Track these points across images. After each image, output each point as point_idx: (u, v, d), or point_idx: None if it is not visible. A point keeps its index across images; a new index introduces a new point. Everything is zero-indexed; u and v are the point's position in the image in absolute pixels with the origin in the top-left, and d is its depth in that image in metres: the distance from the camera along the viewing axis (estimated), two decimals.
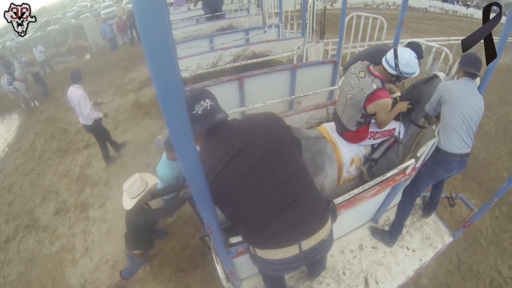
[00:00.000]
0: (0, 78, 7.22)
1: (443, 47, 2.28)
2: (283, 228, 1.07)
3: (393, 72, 1.73)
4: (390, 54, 1.75)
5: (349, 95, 1.80)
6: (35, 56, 9.26)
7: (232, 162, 1.05)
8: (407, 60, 1.70)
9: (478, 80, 1.89)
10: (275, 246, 1.09)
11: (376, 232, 2.18)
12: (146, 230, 2.24)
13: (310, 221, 1.09)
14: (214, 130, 1.10)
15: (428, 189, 2.19)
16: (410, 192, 2.05)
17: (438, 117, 2.02)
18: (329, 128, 2.07)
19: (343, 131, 1.98)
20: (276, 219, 1.07)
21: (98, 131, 3.94)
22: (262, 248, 1.12)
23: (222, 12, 5.60)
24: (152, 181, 2.12)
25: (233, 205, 1.08)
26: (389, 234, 2.10)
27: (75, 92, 3.41)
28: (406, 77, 1.79)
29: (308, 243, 1.11)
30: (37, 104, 7.33)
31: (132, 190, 1.98)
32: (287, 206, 1.06)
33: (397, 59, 1.71)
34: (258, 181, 1.05)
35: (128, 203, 2.02)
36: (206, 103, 1.09)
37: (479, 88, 1.89)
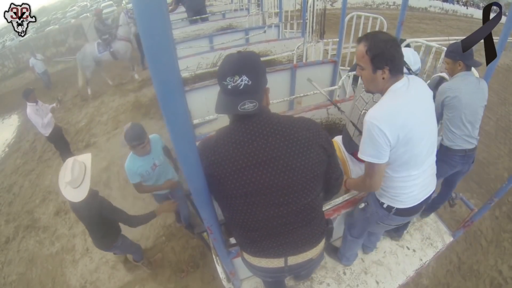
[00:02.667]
0: (85, 47, 5.74)
1: (443, 47, 2.28)
2: (274, 246, 1.05)
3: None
4: None
5: (363, 111, 1.71)
6: (34, 68, 7.25)
7: (255, 169, 0.88)
8: (414, 59, 1.73)
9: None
10: (260, 256, 1.08)
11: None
12: (108, 221, 2.07)
13: (303, 242, 1.06)
14: (250, 116, 0.88)
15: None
16: None
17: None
18: (341, 144, 1.99)
19: (354, 151, 1.87)
20: (270, 237, 1.03)
21: (60, 140, 4.06)
22: (249, 254, 1.11)
23: (207, 15, 5.52)
24: (86, 158, 1.88)
25: (235, 213, 0.99)
26: (396, 229, 2.08)
27: (27, 110, 3.55)
28: (418, 74, 1.80)
29: (295, 259, 1.09)
30: (136, 76, 6.44)
31: (75, 177, 1.71)
32: (290, 231, 1.03)
33: (406, 63, 1.70)
34: (268, 205, 0.95)
35: (77, 194, 1.74)
36: (242, 80, 0.82)
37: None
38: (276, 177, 0.90)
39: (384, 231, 2.13)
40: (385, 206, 1.32)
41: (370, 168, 1.18)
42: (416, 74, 1.77)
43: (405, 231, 2.10)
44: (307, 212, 1.01)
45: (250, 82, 0.83)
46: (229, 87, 0.84)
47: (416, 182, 1.22)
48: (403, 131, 1.06)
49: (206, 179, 0.90)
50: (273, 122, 0.89)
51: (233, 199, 0.94)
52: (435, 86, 2.12)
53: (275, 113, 0.94)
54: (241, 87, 0.83)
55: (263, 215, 0.97)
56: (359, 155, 1.17)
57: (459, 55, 1.83)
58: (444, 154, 1.88)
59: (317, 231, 1.09)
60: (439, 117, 1.96)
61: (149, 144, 2.03)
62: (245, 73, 0.83)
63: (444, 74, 2.15)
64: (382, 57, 1.05)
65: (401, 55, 1.07)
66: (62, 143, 4.13)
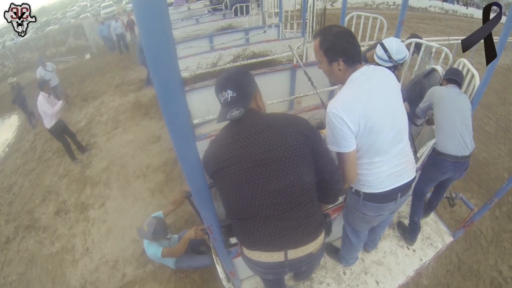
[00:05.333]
0: None
1: (443, 47, 2.28)
2: (271, 234, 1.06)
3: (389, 64, 1.77)
4: (379, 50, 1.82)
5: None
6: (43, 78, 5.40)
7: (237, 154, 1.03)
8: (396, 48, 1.77)
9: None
10: (260, 249, 1.09)
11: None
12: None
13: (300, 233, 1.07)
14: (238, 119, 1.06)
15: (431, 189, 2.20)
16: (415, 191, 2.06)
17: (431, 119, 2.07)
18: None
19: None
20: (265, 223, 1.05)
21: (61, 135, 4.25)
22: (248, 248, 1.12)
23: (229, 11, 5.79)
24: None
25: (229, 198, 1.07)
26: (408, 232, 2.12)
27: (39, 98, 3.83)
28: (402, 63, 1.84)
29: (294, 253, 1.09)
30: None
31: None
32: (279, 214, 1.04)
33: (387, 51, 1.78)
34: (253, 183, 1.02)
35: None
36: (228, 94, 1.02)
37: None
38: (258, 155, 1.01)
39: (398, 231, 2.17)
40: (353, 190, 1.34)
41: (340, 158, 1.19)
42: (401, 64, 1.81)
43: (418, 233, 2.11)
44: (295, 193, 1.03)
45: (234, 94, 1.02)
46: (221, 100, 1.05)
47: (381, 170, 1.22)
48: (363, 118, 1.08)
49: (209, 172, 1.04)
50: (256, 119, 1.05)
51: (226, 179, 1.05)
52: (425, 75, 2.21)
53: (262, 113, 1.09)
54: (228, 99, 1.03)
55: (251, 194, 1.03)
56: (328, 147, 1.17)
57: (445, 74, 2.00)
58: (435, 159, 1.87)
59: (313, 221, 1.09)
60: (423, 115, 2.04)
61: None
62: (228, 87, 1.03)
63: (437, 67, 2.18)
64: (334, 50, 1.08)
65: (354, 46, 1.09)
66: (63, 138, 4.31)
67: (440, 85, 2.10)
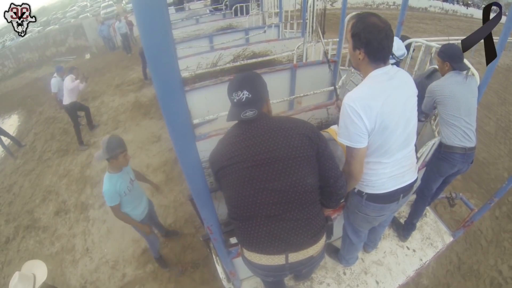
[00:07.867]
0: None
1: None
2: (272, 235, 1.05)
3: (392, 61, 1.78)
4: None
5: None
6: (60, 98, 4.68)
7: (242, 153, 1.05)
8: (397, 45, 1.80)
9: (468, 68, 1.89)
10: (260, 251, 1.09)
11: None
12: None
13: (301, 236, 1.07)
14: (249, 121, 1.08)
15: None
16: (421, 192, 2.05)
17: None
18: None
19: None
20: (267, 223, 1.05)
21: (75, 114, 4.72)
22: (249, 250, 1.12)
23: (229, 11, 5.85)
24: (41, 273, 1.73)
25: (229, 191, 1.09)
26: (402, 229, 2.12)
27: (66, 78, 4.39)
28: (402, 59, 1.87)
29: (295, 257, 1.09)
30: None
31: None
32: (280, 214, 1.04)
33: None
34: (255, 181, 1.03)
35: None
36: (243, 94, 1.06)
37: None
38: (262, 154, 1.04)
39: (392, 229, 2.18)
40: (356, 190, 1.34)
41: (348, 153, 1.17)
42: (400, 60, 1.83)
43: (412, 232, 2.11)
44: (297, 194, 1.03)
45: (250, 95, 1.06)
46: (235, 100, 1.08)
47: (385, 171, 1.22)
48: (380, 117, 1.07)
49: (215, 170, 1.08)
50: (264, 121, 1.08)
51: (229, 176, 1.07)
52: (427, 76, 2.18)
53: (270, 116, 1.13)
54: (243, 99, 1.06)
55: (253, 191, 1.04)
56: (338, 138, 1.17)
57: (447, 56, 1.86)
58: (444, 153, 1.89)
59: (315, 224, 1.09)
60: (431, 111, 2.01)
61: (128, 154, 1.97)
62: (245, 88, 1.06)
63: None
64: (358, 39, 1.07)
65: (381, 43, 1.05)
66: (76, 117, 4.73)
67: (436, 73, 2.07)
